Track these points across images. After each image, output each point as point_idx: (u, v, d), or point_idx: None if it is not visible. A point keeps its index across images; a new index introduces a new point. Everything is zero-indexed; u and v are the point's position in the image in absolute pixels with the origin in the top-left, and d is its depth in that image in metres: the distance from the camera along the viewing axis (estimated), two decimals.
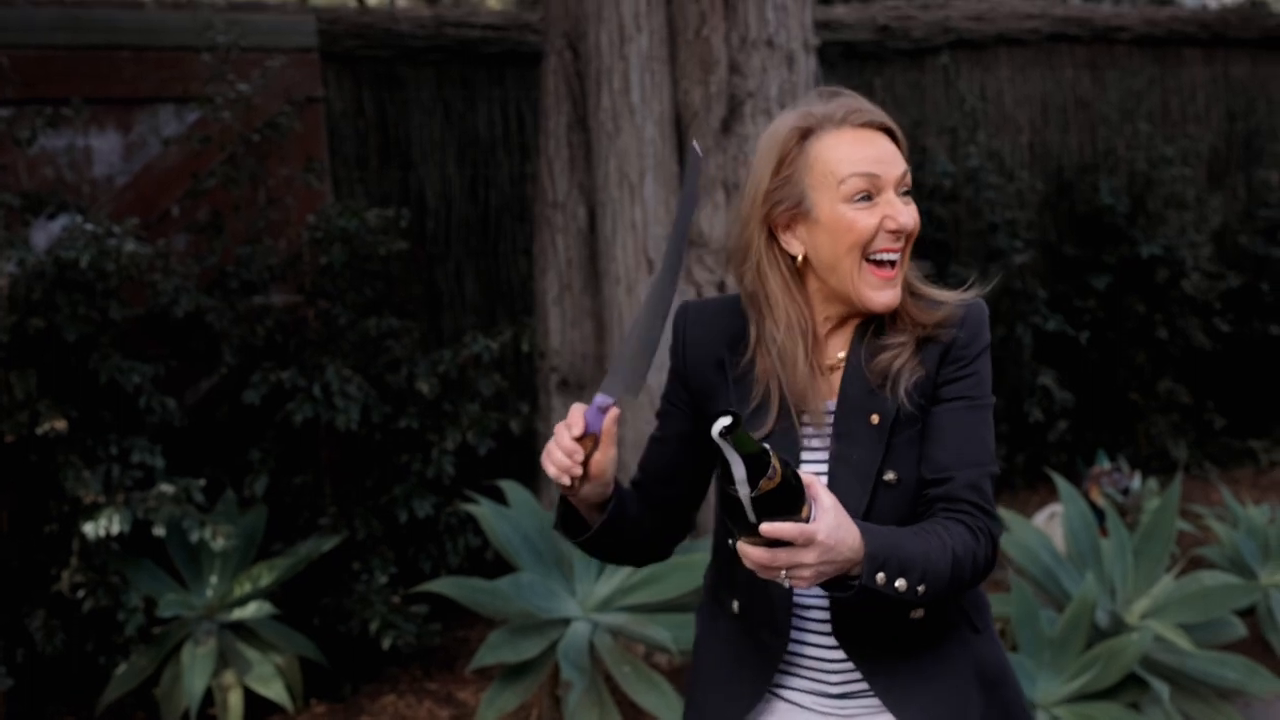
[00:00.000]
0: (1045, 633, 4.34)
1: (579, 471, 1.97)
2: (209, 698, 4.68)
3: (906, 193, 2.08)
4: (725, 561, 2.21)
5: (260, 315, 5.13)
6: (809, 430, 2.12)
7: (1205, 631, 4.66)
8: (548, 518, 4.64)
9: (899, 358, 2.07)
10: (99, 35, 5.33)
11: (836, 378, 2.12)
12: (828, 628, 2.11)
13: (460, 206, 6.60)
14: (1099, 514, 5.85)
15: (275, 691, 4.66)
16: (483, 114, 6.64)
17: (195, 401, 5.19)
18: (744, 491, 1.74)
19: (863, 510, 2.03)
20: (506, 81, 6.66)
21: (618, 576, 4.46)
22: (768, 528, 1.75)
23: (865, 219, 2.03)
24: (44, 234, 4.93)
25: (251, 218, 5.22)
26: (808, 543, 1.77)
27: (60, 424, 4.40)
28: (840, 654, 2.11)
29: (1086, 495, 6.22)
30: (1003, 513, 5.06)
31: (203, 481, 4.67)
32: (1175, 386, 7.78)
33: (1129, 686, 4.30)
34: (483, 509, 4.61)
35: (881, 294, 2.06)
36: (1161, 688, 4.22)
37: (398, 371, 5.23)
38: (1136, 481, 6.35)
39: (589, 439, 1.96)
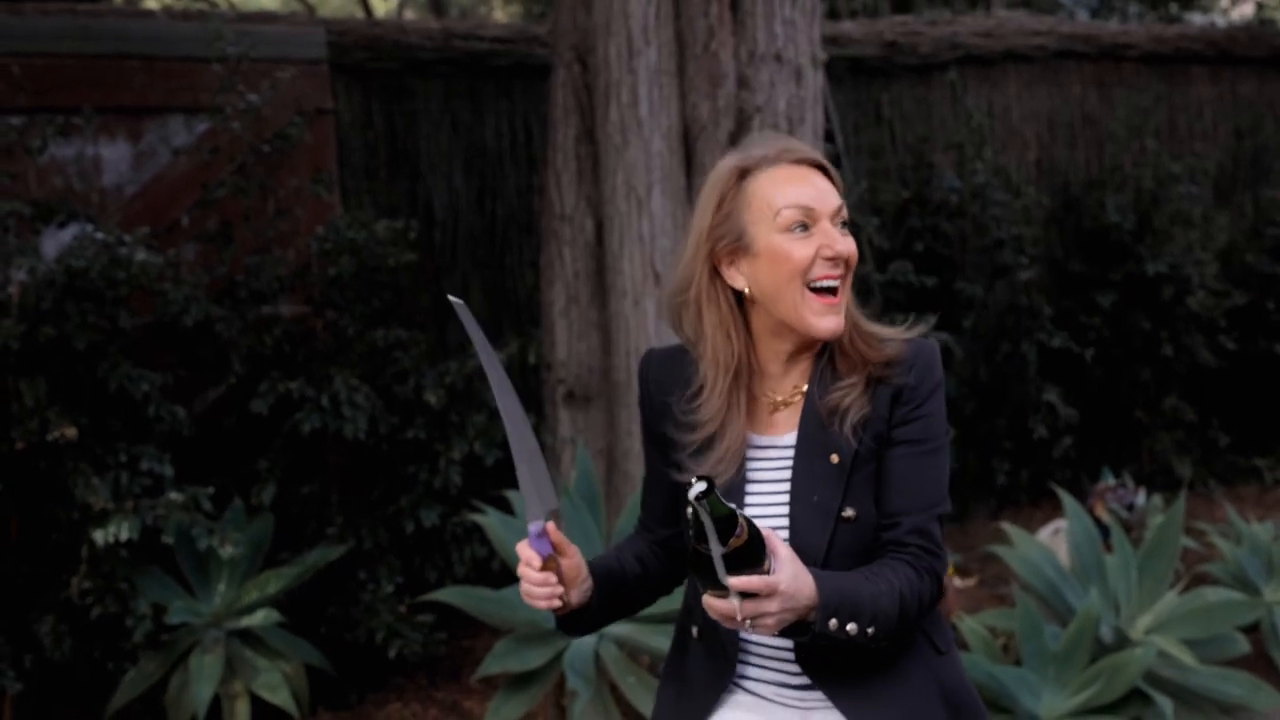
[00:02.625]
0: (1049, 647, 4.35)
1: (561, 590, 2.09)
2: (216, 704, 4.68)
3: (844, 224, 2.14)
4: (689, 587, 2.31)
5: (269, 325, 5.15)
6: (760, 464, 2.18)
7: (1209, 647, 4.67)
8: None
9: (848, 395, 2.12)
10: (109, 45, 5.36)
11: (791, 413, 2.18)
12: (789, 650, 2.17)
13: (468, 218, 6.62)
14: (1104, 530, 5.85)
15: (282, 699, 4.67)
16: (491, 126, 6.67)
17: (204, 410, 5.21)
18: (716, 550, 1.82)
19: (824, 546, 2.10)
20: (514, 94, 6.68)
21: None
22: (736, 581, 1.84)
23: (802, 248, 2.10)
24: (54, 243, 4.95)
25: (260, 228, 5.24)
26: (771, 593, 1.87)
27: (70, 431, 4.41)
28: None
29: (1091, 511, 6.22)
30: (1007, 528, 5.08)
31: (211, 490, 4.68)
32: (1180, 404, 7.79)
33: (1132, 701, 4.30)
34: (489, 519, 4.62)
35: (824, 320, 2.11)
36: (1165, 703, 4.23)
37: (405, 382, 5.25)
38: (1141, 498, 6.35)
39: (551, 561, 2.08)
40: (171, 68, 5.44)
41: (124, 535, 4.38)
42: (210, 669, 4.59)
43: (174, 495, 4.52)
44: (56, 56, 5.26)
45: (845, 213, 2.15)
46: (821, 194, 2.12)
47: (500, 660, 4.37)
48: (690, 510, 1.80)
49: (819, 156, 2.16)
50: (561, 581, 2.10)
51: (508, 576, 4.98)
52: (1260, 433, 8.27)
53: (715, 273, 2.17)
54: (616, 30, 5.18)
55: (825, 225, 2.11)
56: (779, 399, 2.19)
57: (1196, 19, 11.13)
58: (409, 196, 6.48)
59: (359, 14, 13.69)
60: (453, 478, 5.11)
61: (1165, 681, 4.45)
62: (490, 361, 2.07)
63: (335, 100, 5.96)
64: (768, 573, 1.87)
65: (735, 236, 2.13)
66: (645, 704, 4.30)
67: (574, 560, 2.12)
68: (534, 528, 2.06)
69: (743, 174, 2.15)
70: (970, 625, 4.52)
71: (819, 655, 2.12)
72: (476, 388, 5.32)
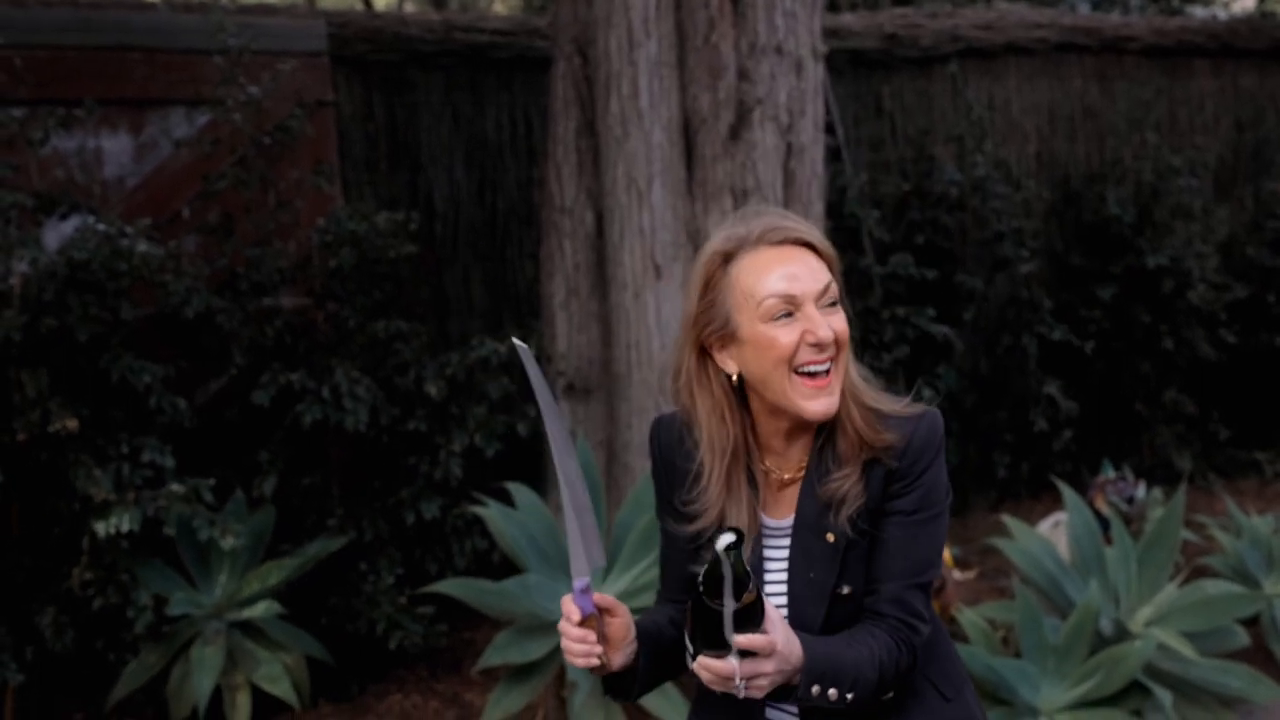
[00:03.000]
0: (1049, 640, 4.36)
1: (599, 650, 2.05)
2: (218, 696, 4.69)
3: (832, 303, 2.09)
4: None
5: (270, 317, 5.16)
6: (772, 543, 2.18)
7: (1208, 640, 4.68)
8: (554, 520, 4.67)
9: (844, 484, 2.10)
10: (110, 37, 5.36)
11: (796, 492, 2.17)
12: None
13: (468, 210, 6.62)
14: (1104, 523, 5.87)
15: (283, 690, 4.68)
16: (491, 118, 6.67)
17: (205, 402, 5.21)
18: (729, 606, 1.82)
19: (820, 621, 2.11)
20: (515, 86, 6.68)
21: (624, 579, 4.48)
22: (742, 639, 1.84)
23: (785, 335, 2.06)
24: (56, 234, 4.96)
25: (261, 220, 5.25)
26: (771, 653, 1.88)
27: (71, 423, 4.42)
28: None
29: (1091, 504, 6.23)
30: (1007, 521, 5.08)
31: (212, 481, 4.69)
32: (1180, 397, 7.79)
33: (1132, 694, 4.32)
34: (490, 511, 4.63)
35: (814, 403, 2.08)
36: (1164, 695, 4.24)
37: (406, 374, 5.26)
38: (1141, 490, 6.36)
39: (591, 620, 2.04)
40: (173, 60, 5.44)
41: (125, 526, 4.39)
42: (211, 660, 4.60)
43: (175, 487, 4.52)
44: (58, 48, 5.26)
45: (835, 290, 2.09)
46: (805, 277, 2.07)
47: (501, 652, 4.38)
48: (707, 565, 1.80)
49: (805, 232, 2.11)
50: (604, 640, 2.07)
51: (508, 569, 4.98)
52: (1260, 426, 8.27)
53: (706, 357, 2.15)
54: (617, 22, 5.18)
55: (809, 310, 2.06)
56: (786, 476, 2.18)
57: (1198, 12, 11.12)
58: (410, 189, 6.49)
59: (359, 6, 13.67)
60: (453, 470, 5.12)
61: (1165, 674, 4.46)
62: (550, 414, 2.02)
63: (336, 92, 5.96)
64: (766, 633, 1.87)
65: (721, 323, 2.10)
66: (645, 698, 4.30)
67: (621, 620, 2.08)
68: (579, 584, 2.03)
69: (726, 258, 2.10)
70: (970, 617, 4.53)
71: (822, 712, 2.11)
72: (477, 379, 5.32)
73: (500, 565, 5.21)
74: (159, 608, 4.64)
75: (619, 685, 2.18)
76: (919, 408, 2.14)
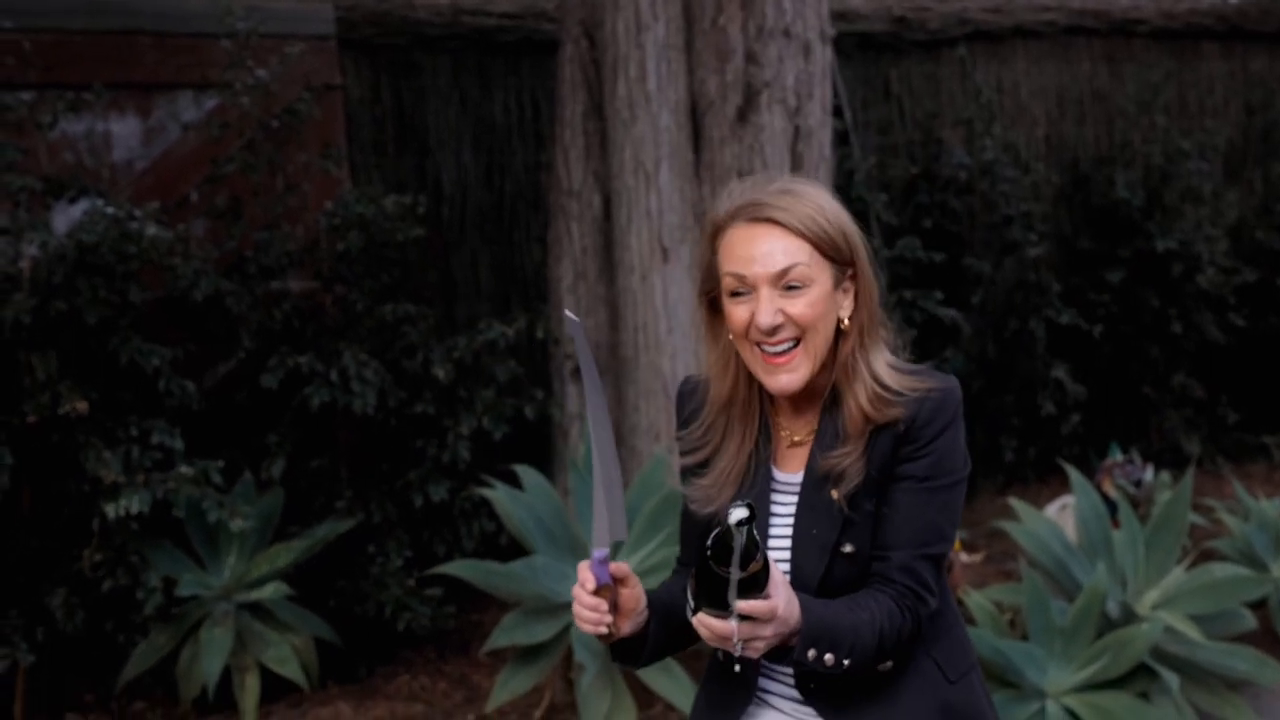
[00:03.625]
0: (1056, 622, 4.36)
1: (609, 619, 2.09)
2: (226, 677, 4.71)
3: (791, 286, 2.08)
4: None
5: (278, 300, 5.17)
6: (779, 498, 2.20)
7: (1215, 623, 4.68)
8: (561, 502, 4.68)
9: (844, 460, 2.11)
10: (118, 20, 5.36)
11: (804, 452, 2.19)
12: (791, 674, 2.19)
13: (476, 194, 6.62)
14: (1111, 506, 5.86)
15: (291, 671, 4.70)
16: (499, 102, 6.67)
17: (214, 385, 5.23)
18: (735, 574, 1.83)
19: (819, 576, 2.12)
20: (522, 70, 6.68)
21: (633, 560, 4.49)
22: (744, 605, 1.86)
23: (739, 314, 2.11)
24: (65, 218, 4.97)
25: (270, 204, 5.26)
26: (770, 618, 1.89)
27: (81, 405, 4.44)
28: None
29: (1099, 487, 6.22)
30: (1015, 504, 5.09)
31: (221, 464, 4.71)
32: (1189, 381, 7.78)
33: (1139, 676, 4.32)
34: (497, 493, 4.64)
35: (774, 378, 2.11)
36: (1171, 678, 4.24)
37: (414, 357, 5.26)
38: (1149, 474, 6.35)
39: (605, 590, 2.08)
40: (181, 44, 5.44)
41: (135, 508, 4.41)
42: (220, 642, 4.62)
43: (184, 469, 4.54)
44: (67, 32, 5.26)
45: (800, 272, 2.07)
46: (760, 260, 2.07)
47: (508, 634, 4.39)
48: (716, 533, 1.81)
49: (779, 212, 2.08)
50: (615, 609, 2.10)
51: (515, 551, 4.99)
52: (1269, 410, 8.26)
53: (715, 309, 2.19)
54: (624, 5, 5.17)
55: (762, 293, 2.07)
56: (795, 438, 2.21)
57: None
58: (417, 172, 6.49)
59: None
60: (461, 452, 5.13)
61: (1172, 657, 4.46)
62: (593, 387, 2.06)
63: (344, 76, 5.96)
64: (768, 598, 1.89)
65: (717, 283, 2.16)
66: (652, 678, 4.32)
67: (634, 592, 2.11)
68: (598, 554, 2.06)
69: (718, 229, 2.15)
70: (977, 600, 4.53)
71: (818, 679, 2.14)
72: (485, 362, 5.33)
73: (508, 547, 5.22)
74: (168, 589, 4.66)
75: (627, 652, 2.21)
76: (935, 379, 2.15)
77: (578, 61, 5.47)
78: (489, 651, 4.76)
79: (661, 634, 2.20)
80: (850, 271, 2.14)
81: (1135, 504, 6.03)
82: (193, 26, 5.43)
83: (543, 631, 4.39)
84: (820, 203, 2.12)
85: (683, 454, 2.27)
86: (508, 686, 4.38)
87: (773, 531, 2.18)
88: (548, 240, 5.71)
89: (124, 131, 5.38)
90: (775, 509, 2.20)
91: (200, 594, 4.73)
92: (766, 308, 2.07)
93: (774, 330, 2.07)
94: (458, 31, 6.53)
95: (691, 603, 1.91)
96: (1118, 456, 6.48)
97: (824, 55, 5.44)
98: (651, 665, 2.30)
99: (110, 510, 4.40)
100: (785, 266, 2.07)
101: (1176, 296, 7.60)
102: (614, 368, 5.45)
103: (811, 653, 1.99)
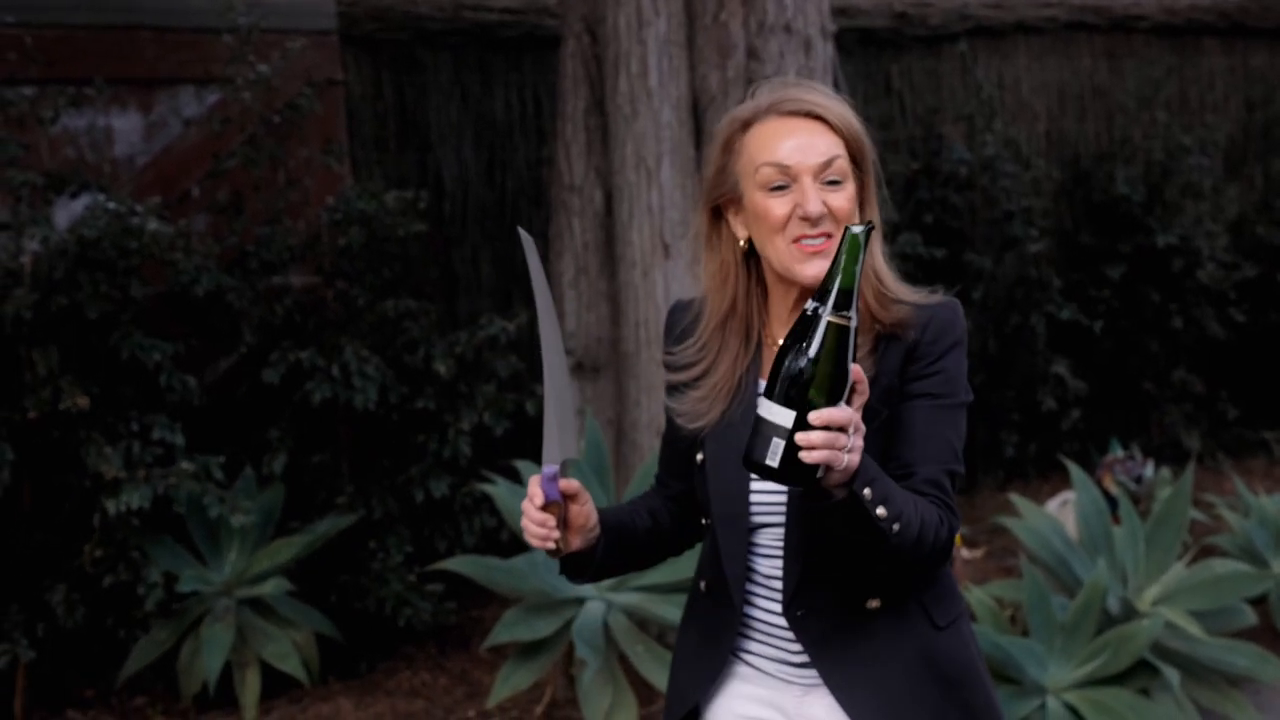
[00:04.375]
0: (1056, 618, 4.37)
1: (556, 535, 2.11)
2: (227, 673, 4.72)
3: (835, 180, 2.09)
4: (703, 542, 2.33)
5: (279, 295, 5.17)
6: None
7: (1216, 619, 4.68)
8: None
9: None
10: (120, 15, 5.36)
11: None
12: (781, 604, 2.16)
13: (477, 190, 6.62)
14: (1112, 502, 5.86)
15: (292, 667, 4.71)
16: (500, 98, 6.66)
17: (215, 380, 5.23)
18: (854, 321, 1.83)
19: None
20: (524, 65, 6.67)
21: None
22: (819, 415, 1.80)
23: (778, 207, 2.08)
24: (66, 213, 4.97)
25: (271, 199, 5.26)
26: (849, 428, 1.83)
27: (82, 401, 4.44)
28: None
29: (1099, 483, 6.22)
30: (1015, 500, 5.09)
31: (222, 459, 4.71)
32: (1189, 376, 7.78)
33: (1139, 672, 4.32)
34: (498, 489, 4.65)
35: (810, 265, 2.08)
36: (1172, 674, 4.24)
37: (415, 352, 5.26)
38: (1150, 469, 6.36)
39: (554, 506, 2.10)
40: (182, 39, 5.44)
41: (136, 504, 4.41)
42: (221, 637, 4.63)
43: (185, 464, 4.54)
44: (68, 27, 5.26)
45: (840, 165, 2.09)
46: (803, 150, 2.07)
47: (509, 629, 4.40)
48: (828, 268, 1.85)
49: (814, 105, 2.11)
50: (564, 526, 2.12)
51: (517, 546, 5.00)
52: (1269, 406, 8.26)
53: (718, 220, 2.19)
54: (626, 1, 5.17)
55: (805, 183, 2.06)
56: None
57: None
58: (419, 168, 6.48)
59: None
60: (462, 448, 5.13)
61: (1172, 653, 4.47)
62: (544, 303, 2.10)
63: (345, 71, 5.96)
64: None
65: (732, 188, 2.14)
66: (654, 673, 4.32)
67: (584, 509, 2.13)
68: (548, 470, 2.09)
69: (745, 125, 2.14)
70: (978, 596, 4.54)
71: (810, 607, 2.12)
72: (486, 358, 5.33)
73: (509, 543, 5.22)
74: (169, 585, 4.67)
75: (575, 567, 2.23)
76: (939, 297, 2.17)
77: (579, 57, 5.47)
78: (490, 647, 4.76)
79: (612, 554, 2.23)
80: (861, 177, 2.16)
81: (1136, 500, 6.05)
82: (194, 21, 5.43)
83: (544, 627, 4.39)
84: (847, 105, 2.15)
85: (673, 369, 2.25)
86: (509, 682, 4.38)
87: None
88: (549, 235, 5.70)
89: (125, 126, 5.38)
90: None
91: (201, 590, 4.73)
92: (814, 197, 2.06)
93: (818, 221, 2.07)
94: (459, 27, 6.53)
95: (779, 399, 1.84)
96: (1118, 452, 6.49)
97: (825, 51, 5.44)
98: (610, 576, 2.33)
99: (111, 506, 4.40)
100: (829, 158, 2.08)
101: (1177, 292, 7.60)
102: (615, 363, 5.45)
103: (868, 491, 1.90)
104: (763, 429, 1.85)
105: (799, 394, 1.82)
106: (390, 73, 6.42)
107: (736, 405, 2.17)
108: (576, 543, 2.15)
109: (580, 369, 5.51)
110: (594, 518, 2.16)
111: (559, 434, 2.11)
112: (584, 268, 5.49)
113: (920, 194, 7.19)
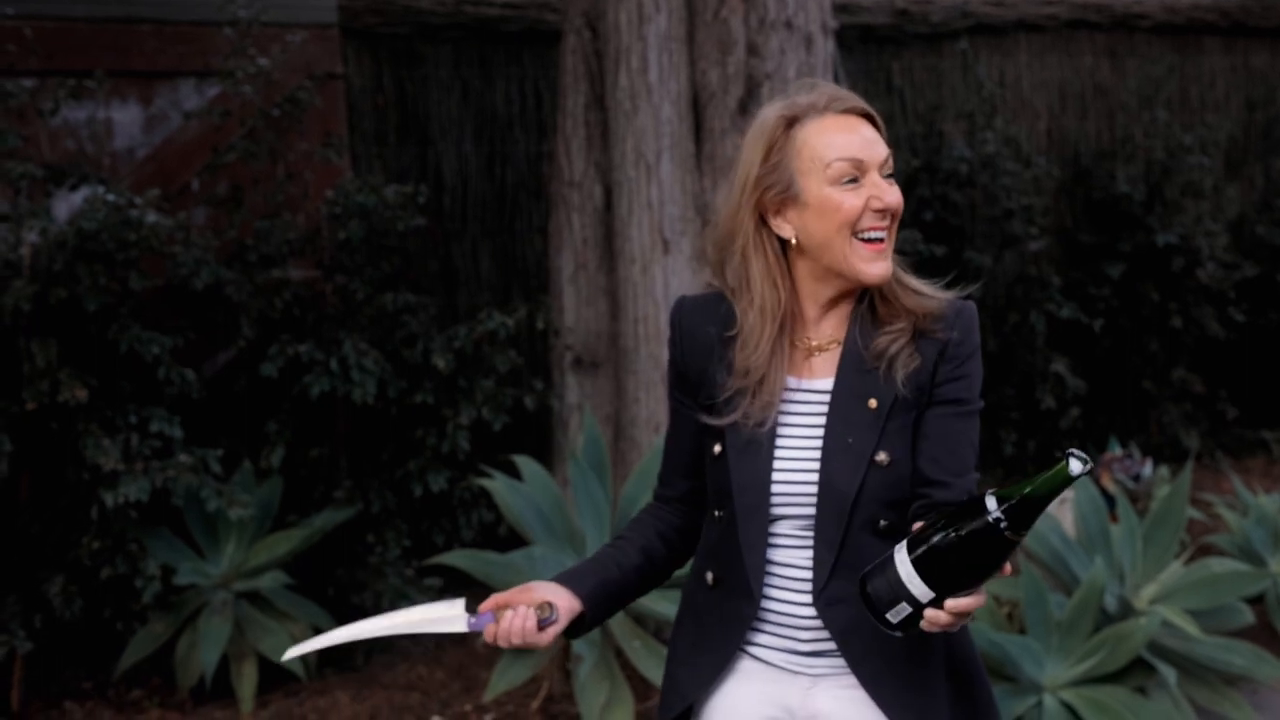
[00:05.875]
0: (1053, 616, 4.37)
1: (530, 627, 2.20)
2: (224, 665, 4.72)
3: (890, 175, 2.16)
4: (706, 535, 2.30)
5: (278, 289, 5.17)
6: (795, 408, 2.18)
7: (1213, 618, 4.68)
8: (560, 493, 4.68)
9: (896, 341, 2.14)
10: (120, 8, 5.36)
11: (828, 359, 2.19)
12: (805, 588, 2.16)
13: (477, 184, 6.62)
14: (1109, 500, 5.86)
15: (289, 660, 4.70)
16: (500, 92, 6.66)
17: (213, 373, 5.23)
18: (1004, 529, 1.83)
19: (855, 489, 2.11)
20: (524, 60, 6.67)
21: None
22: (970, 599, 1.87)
23: (852, 200, 2.11)
24: (65, 205, 4.97)
25: (270, 192, 5.25)
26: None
27: (80, 393, 4.44)
28: (812, 611, 2.16)
29: (1097, 481, 6.22)
30: None
31: (220, 452, 4.71)
32: (1188, 375, 7.78)
33: (1136, 671, 4.33)
34: (496, 483, 4.65)
35: (874, 266, 2.13)
36: (1169, 672, 4.25)
37: (414, 347, 5.26)
38: (1148, 468, 6.36)
39: (500, 617, 2.22)
40: (182, 31, 5.44)
41: (134, 496, 4.41)
42: (218, 630, 4.63)
43: (183, 457, 4.54)
44: (68, 19, 5.26)
45: (891, 163, 2.16)
46: (870, 144, 2.13)
47: None
48: (1015, 502, 1.82)
49: (866, 105, 2.17)
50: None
51: (514, 541, 5.00)
52: (1268, 405, 8.26)
53: (761, 222, 2.19)
54: None
55: (874, 177, 2.12)
56: (815, 344, 2.21)
57: None
58: (419, 162, 6.48)
59: None
60: (460, 443, 5.13)
61: (1169, 651, 4.47)
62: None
63: (345, 65, 5.96)
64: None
65: (784, 187, 2.15)
66: (650, 668, 4.32)
67: (527, 595, 2.22)
68: (473, 623, 2.20)
69: (790, 123, 2.15)
70: None
71: (840, 596, 2.13)
72: (485, 352, 5.33)
73: (507, 538, 5.23)
74: (166, 577, 4.67)
75: (573, 631, 2.28)
76: (951, 293, 2.21)
77: (580, 52, 5.46)
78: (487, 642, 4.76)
79: (603, 609, 2.28)
80: None
81: (1134, 498, 6.04)
82: (194, 14, 5.43)
83: None
84: None
85: (724, 374, 2.21)
86: (505, 676, 4.38)
87: (794, 443, 2.16)
88: (548, 230, 5.70)
89: (125, 119, 5.38)
90: (793, 419, 2.18)
91: (198, 582, 4.73)
92: (888, 188, 2.13)
93: (885, 212, 2.12)
94: (460, 21, 6.52)
95: (944, 579, 1.86)
96: (1117, 451, 6.48)
97: (826, 47, 5.43)
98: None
99: (109, 498, 4.40)
100: (887, 155, 2.16)
101: (1177, 291, 7.60)
102: (614, 358, 5.45)
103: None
104: (892, 578, 1.89)
105: (943, 577, 1.86)
106: (390, 67, 6.42)
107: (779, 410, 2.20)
108: (548, 636, 2.21)
109: (579, 364, 5.51)
110: (539, 592, 2.22)
111: (446, 610, 2.25)
112: (583, 263, 5.48)
113: (920, 191, 7.18)
